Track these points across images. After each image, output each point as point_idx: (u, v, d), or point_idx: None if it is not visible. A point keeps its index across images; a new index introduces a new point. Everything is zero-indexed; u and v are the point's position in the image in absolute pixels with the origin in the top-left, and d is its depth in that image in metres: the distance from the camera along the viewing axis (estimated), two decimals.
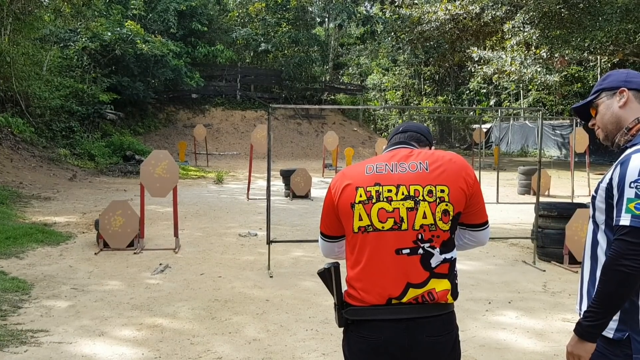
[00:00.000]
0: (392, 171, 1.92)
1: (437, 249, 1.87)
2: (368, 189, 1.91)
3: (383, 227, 1.87)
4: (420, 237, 1.86)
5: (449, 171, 1.90)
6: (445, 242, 1.88)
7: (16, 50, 15.52)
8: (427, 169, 1.90)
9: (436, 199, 1.87)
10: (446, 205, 1.87)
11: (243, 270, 6.39)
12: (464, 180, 1.91)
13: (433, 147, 2.15)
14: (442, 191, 1.88)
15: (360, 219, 1.90)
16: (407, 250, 1.86)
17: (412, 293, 1.85)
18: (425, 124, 2.52)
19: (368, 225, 1.89)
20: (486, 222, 2.05)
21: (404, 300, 1.85)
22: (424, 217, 1.86)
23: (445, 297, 1.87)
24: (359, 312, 1.89)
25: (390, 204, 1.88)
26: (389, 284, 1.86)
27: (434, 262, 1.87)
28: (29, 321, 4.56)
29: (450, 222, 1.89)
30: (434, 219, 1.86)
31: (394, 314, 1.85)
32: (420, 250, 1.86)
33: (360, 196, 1.91)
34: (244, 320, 4.73)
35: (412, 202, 1.87)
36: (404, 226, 1.86)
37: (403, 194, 1.88)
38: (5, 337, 4.16)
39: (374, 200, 1.89)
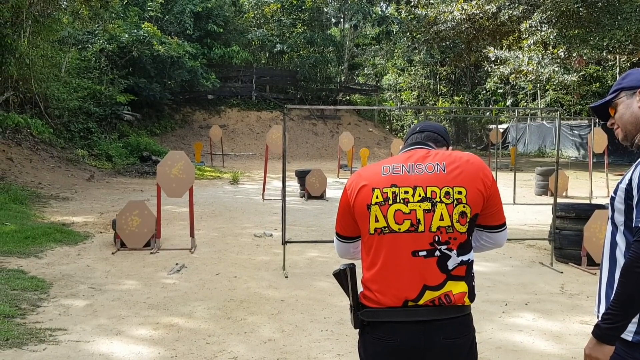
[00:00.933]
0: (408, 172, 1.91)
1: (454, 251, 1.85)
2: (384, 190, 1.89)
3: (399, 229, 1.86)
4: (437, 239, 1.84)
5: (466, 172, 1.88)
6: (463, 244, 1.87)
7: (35, 52, 15.73)
8: (444, 170, 1.89)
9: (453, 200, 1.85)
10: (464, 207, 1.86)
11: (258, 271, 6.41)
12: (481, 182, 1.89)
13: (451, 147, 2.13)
14: (460, 193, 1.86)
15: (377, 221, 1.89)
16: (424, 253, 1.84)
17: (429, 295, 1.83)
18: (441, 125, 2.44)
19: (384, 227, 1.88)
20: (504, 224, 2.03)
21: (421, 302, 1.83)
22: (441, 219, 1.84)
23: (462, 299, 1.86)
24: (374, 313, 1.88)
25: (407, 206, 1.86)
26: (405, 286, 1.85)
27: (450, 264, 1.85)
28: (47, 320, 4.62)
29: (467, 224, 1.87)
30: (451, 221, 1.84)
31: (410, 317, 1.84)
32: (437, 253, 1.84)
33: (377, 197, 1.89)
34: (259, 320, 4.75)
35: (429, 203, 1.86)
36: (421, 228, 1.85)
37: (420, 195, 1.87)
38: (24, 336, 4.21)
39: (390, 202, 1.88)
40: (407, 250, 1.85)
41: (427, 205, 1.85)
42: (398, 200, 1.87)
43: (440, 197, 1.85)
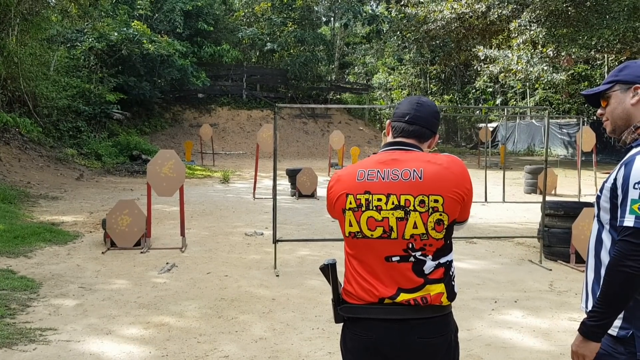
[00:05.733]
0: (383, 179, 1.88)
1: (430, 257, 1.86)
2: (358, 196, 1.89)
3: (372, 235, 1.87)
4: (410, 246, 1.85)
5: (444, 181, 1.85)
6: (440, 249, 1.87)
7: (24, 51, 15.60)
8: (420, 178, 1.85)
9: (428, 209, 1.84)
10: (440, 215, 1.84)
11: (249, 269, 6.41)
12: (461, 191, 1.87)
13: (437, 136, 2.06)
14: (436, 201, 1.84)
15: (351, 225, 1.91)
16: (397, 258, 1.86)
17: (404, 297, 1.85)
18: (434, 107, 2.24)
19: (357, 232, 1.90)
20: (467, 219, 2.00)
21: (397, 300, 1.85)
22: (415, 227, 1.84)
23: (439, 299, 1.86)
24: (353, 309, 1.91)
25: (380, 213, 1.86)
26: (380, 286, 1.87)
27: (427, 269, 1.86)
28: (37, 320, 4.60)
29: (444, 230, 1.86)
30: (426, 229, 1.84)
31: (386, 314, 1.86)
32: (412, 259, 1.85)
33: (350, 203, 1.90)
34: (250, 319, 4.75)
35: (402, 212, 1.84)
36: (394, 235, 1.85)
37: (393, 203, 1.85)
38: (14, 336, 4.19)
39: (363, 209, 1.88)
40: (380, 255, 1.87)
41: (400, 213, 1.85)
42: (371, 208, 1.87)
43: (414, 206, 1.84)
